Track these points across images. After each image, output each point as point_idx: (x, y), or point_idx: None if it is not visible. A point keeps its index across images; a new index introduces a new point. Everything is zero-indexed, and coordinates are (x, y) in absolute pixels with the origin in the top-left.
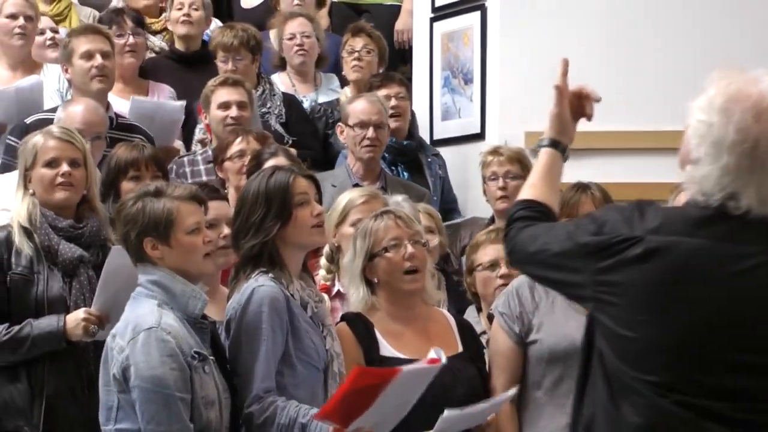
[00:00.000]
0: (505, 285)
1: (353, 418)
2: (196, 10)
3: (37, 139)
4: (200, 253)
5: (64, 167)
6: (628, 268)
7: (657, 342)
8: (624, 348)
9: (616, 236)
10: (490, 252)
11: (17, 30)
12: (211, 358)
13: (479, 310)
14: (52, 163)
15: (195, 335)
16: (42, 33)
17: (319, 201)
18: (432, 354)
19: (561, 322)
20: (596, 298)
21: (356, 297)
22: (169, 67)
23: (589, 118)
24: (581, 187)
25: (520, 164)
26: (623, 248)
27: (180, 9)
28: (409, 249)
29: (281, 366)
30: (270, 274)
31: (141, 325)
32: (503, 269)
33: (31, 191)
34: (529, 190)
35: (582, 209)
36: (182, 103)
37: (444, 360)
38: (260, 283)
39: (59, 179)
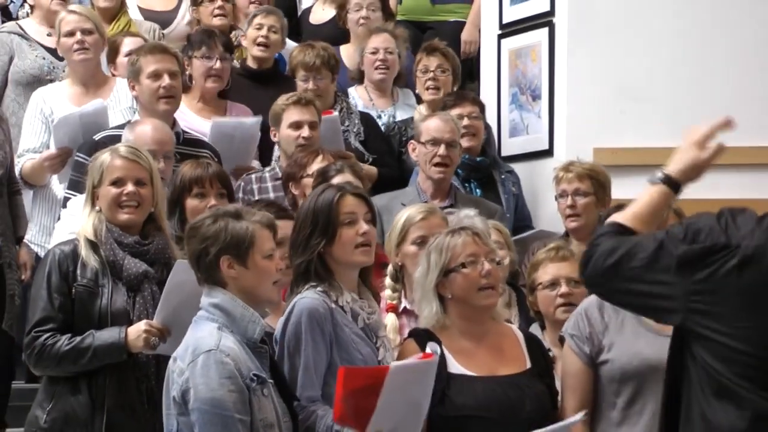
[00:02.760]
0: (565, 304)
1: (366, 420)
2: (275, 33)
3: (104, 157)
4: (272, 279)
5: (129, 187)
6: (728, 277)
7: (760, 346)
8: (726, 354)
9: (713, 245)
10: (550, 270)
11: (76, 46)
12: (270, 381)
13: (543, 327)
14: (117, 182)
15: (254, 359)
16: (129, 54)
17: (372, 220)
18: (427, 349)
19: (631, 341)
20: (689, 309)
21: (428, 312)
22: (240, 84)
23: None
24: None
25: (591, 181)
26: (721, 257)
27: (259, 29)
28: (486, 266)
29: (327, 376)
30: (319, 287)
31: (200, 348)
32: (563, 288)
33: (97, 208)
34: (630, 219)
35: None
36: (258, 118)
37: (438, 353)
38: (302, 296)
39: (124, 198)
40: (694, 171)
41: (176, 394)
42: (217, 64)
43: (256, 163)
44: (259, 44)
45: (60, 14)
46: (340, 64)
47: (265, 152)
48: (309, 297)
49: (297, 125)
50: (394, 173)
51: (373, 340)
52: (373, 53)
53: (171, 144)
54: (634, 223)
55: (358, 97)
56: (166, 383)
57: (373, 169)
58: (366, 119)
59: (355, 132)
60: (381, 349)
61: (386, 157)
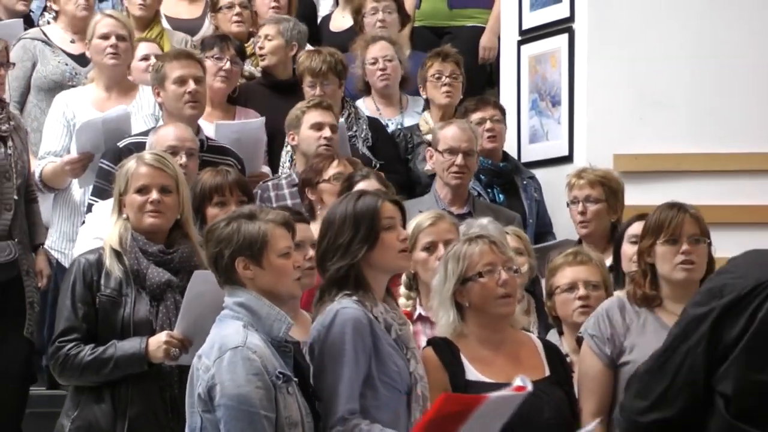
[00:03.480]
0: (584, 307)
1: None
2: (270, 40)
3: (130, 164)
4: (290, 276)
5: (154, 194)
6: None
7: None
8: (760, 390)
9: (741, 291)
10: (568, 274)
11: (109, 50)
12: (295, 380)
13: (560, 333)
14: (142, 190)
15: (279, 357)
16: (146, 59)
17: (404, 226)
18: (518, 381)
19: (653, 343)
20: (736, 358)
21: (445, 320)
22: (261, 92)
23: None
24: (680, 207)
25: (602, 188)
26: (755, 298)
27: (258, 41)
28: (503, 275)
29: (364, 388)
30: (354, 297)
31: (227, 345)
32: (582, 291)
33: (124, 216)
34: None
35: (685, 228)
36: (262, 119)
37: (530, 387)
38: (344, 305)
39: (149, 206)
40: None
41: (202, 391)
42: (227, 65)
43: (266, 169)
44: (259, 55)
45: (96, 16)
46: (348, 69)
47: (272, 160)
48: (351, 307)
49: (319, 126)
50: (402, 179)
51: (403, 352)
52: (373, 63)
53: (192, 141)
54: None
55: (365, 107)
56: (190, 381)
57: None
58: (374, 125)
59: (363, 138)
60: (412, 361)
61: (395, 163)
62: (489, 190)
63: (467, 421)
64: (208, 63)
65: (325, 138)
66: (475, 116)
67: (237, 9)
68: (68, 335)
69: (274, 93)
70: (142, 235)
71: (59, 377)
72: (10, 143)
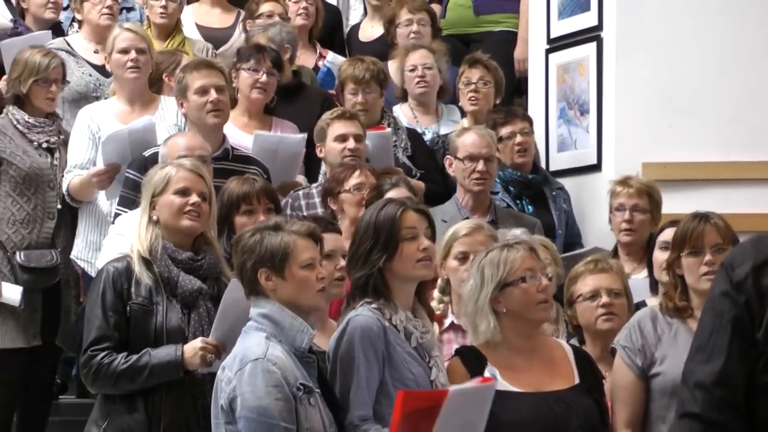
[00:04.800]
0: (606, 314)
1: None
2: None
3: (169, 168)
4: (313, 288)
5: (194, 197)
6: None
7: None
8: None
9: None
10: (590, 282)
11: (129, 64)
12: (317, 391)
13: (581, 342)
14: (183, 192)
15: (302, 368)
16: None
17: (432, 235)
18: (486, 373)
19: (684, 355)
20: None
21: (485, 326)
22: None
23: None
24: (703, 217)
25: (649, 198)
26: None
27: None
28: (543, 281)
29: (379, 395)
30: (373, 305)
31: (248, 357)
32: (604, 298)
33: (154, 218)
34: None
35: (707, 239)
36: (303, 135)
37: (496, 378)
38: (357, 313)
39: (188, 208)
40: None
41: (224, 403)
42: (264, 78)
43: (301, 178)
44: None
45: (115, 30)
46: (389, 80)
47: (312, 168)
48: (363, 315)
49: (342, 138)
50: (440, 189)
51: (425, 360)
52: (412, 70)
53: (202, 149)
54: None
55: (403, 114)
56: (214, 392)
57: (421, 184)
58: (413, 135)
59: (402, 147)
60: (434, 369)
61: (433, 172)
62: (518, 202)
63: (439, 417)
64: (244, 75)
65: (349, 149)
66: (505, 130)
67: (277, 18)
68: (100, 344)
69: (280, 99)
70: (171, 241)
71: (92, 386)
72: (57, 155)
